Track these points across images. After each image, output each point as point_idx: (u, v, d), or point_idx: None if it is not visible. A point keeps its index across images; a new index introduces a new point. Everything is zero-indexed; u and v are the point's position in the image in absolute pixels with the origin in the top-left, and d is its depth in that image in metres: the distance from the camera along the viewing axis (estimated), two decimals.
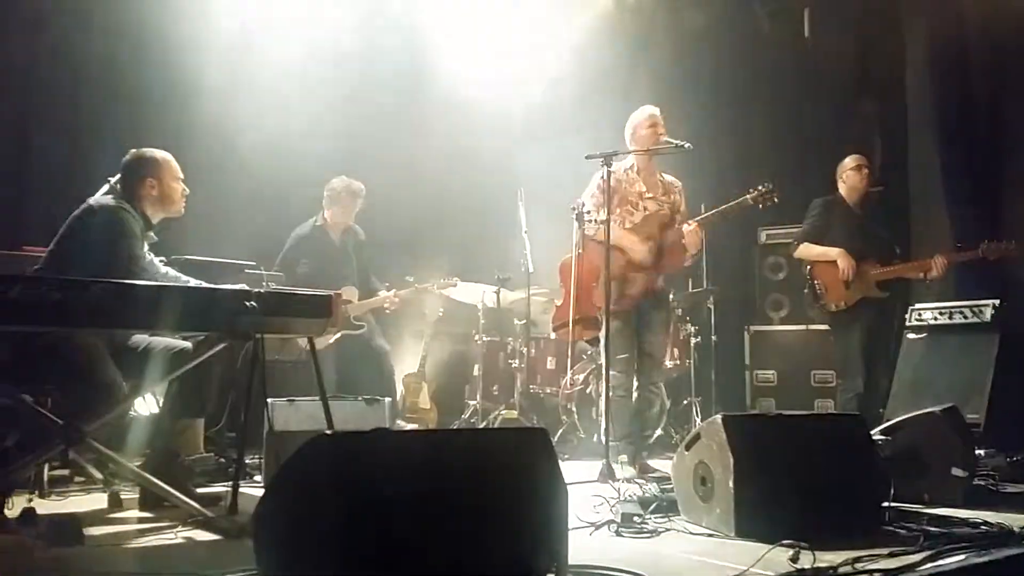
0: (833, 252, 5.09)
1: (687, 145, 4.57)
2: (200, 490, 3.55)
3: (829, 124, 7.12)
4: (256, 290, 3.18)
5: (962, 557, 2.50)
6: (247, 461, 4.21)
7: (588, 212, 4.62)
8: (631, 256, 4.65)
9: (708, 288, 6.59)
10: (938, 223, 6.59)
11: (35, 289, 2.72)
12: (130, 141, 3.80)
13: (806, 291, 5.33)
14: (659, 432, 5.87)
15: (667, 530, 2.98)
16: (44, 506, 3.23)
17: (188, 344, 3.53)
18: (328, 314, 3.30)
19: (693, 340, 6.49)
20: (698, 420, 6.11)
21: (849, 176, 5.27)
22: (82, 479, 3.90)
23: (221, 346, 3.32)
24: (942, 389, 4.94)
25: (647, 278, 4.65)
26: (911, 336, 5.37)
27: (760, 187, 4.58)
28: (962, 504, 3.38)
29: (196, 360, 3.38)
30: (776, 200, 4.57)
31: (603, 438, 4.35)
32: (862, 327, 5.07)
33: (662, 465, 4.53)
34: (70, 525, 2.74)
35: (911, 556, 2.48)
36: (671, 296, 5.39)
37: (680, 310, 6.44)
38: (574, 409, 5.81)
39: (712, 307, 6.53)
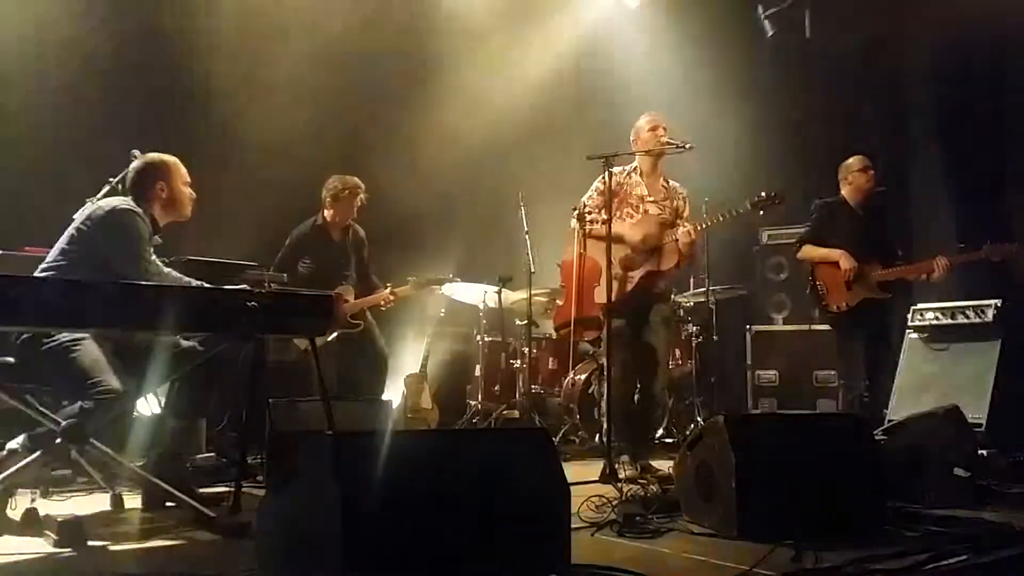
0: (835, 253, 5.09)
1: (689, 145, 4.57)
2: (202, 490, 3.55)
3: (831, 125, 7.12)
4: (257, 290, 3.18)
5: (964, 557, 2.50)
6: (249, 461, 4.21)
7: (589, 212, 4.62)
8: (631, 241, 4.62)
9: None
10: (940, 224, 6.59)
11: (37, 290, 2.73)
12: (133, 142, 3.81)
13: (808, 292, 5.32)
14: (661, 432, 5.88)
15: (669, 530, 2.98)
16: (46, 507, 3.23)
17: (190, 344, 3.53)
18: (329, 314, 3.31)
19: (695, 340, 6.49)
20: (700, 420, 6.11)
21: (855, 177, 5.25)
22: (85, 480, 3.90)
23: (223, 346, 3.32)
24: (944, 389, 4.94)
25: (641, 276, 4.64)
26: (913, 336, 5.37)
27: (763, 193, 4.57)
28: (964, 504, 3.38)
29: (198, 360, 3.38)
30: (778, 202, 4.55)
31: (605, 438, 4.35)
32: (865, 328, 5.06)
33: (664, 465, 4.52)
34: (73, 526, 2.74)
35: (913, 556, 2.47)
36: (673, 296, 5.39)
37: (682, 310, 6.44)
38: (576, 409, 5.80)
39: (713, 307, 6.53)
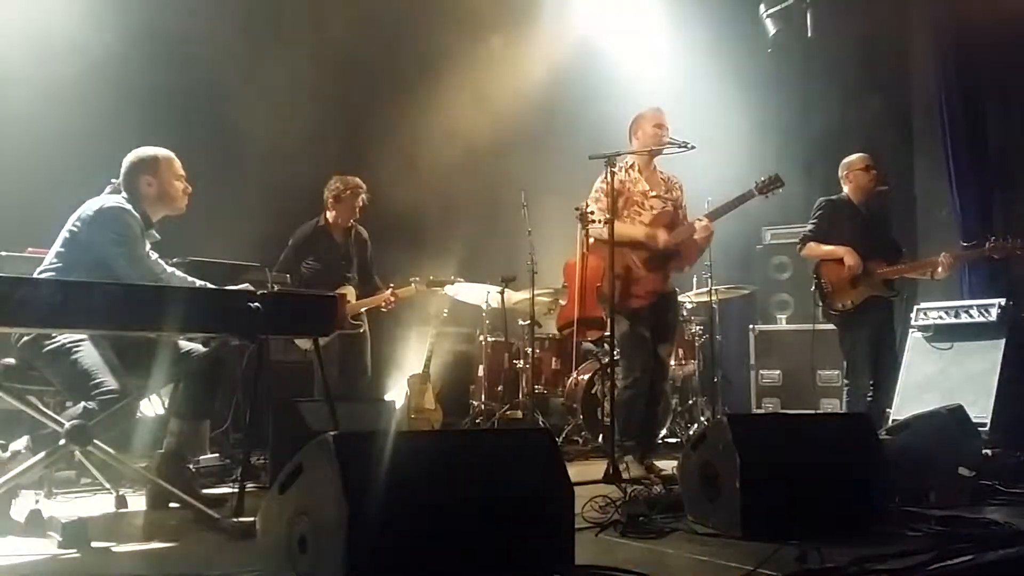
0: (840, 251, 5.07)
1: (691, 145, 4.57)
2: (206, 491, 3.55)
3: (833, 123, 7.11)
4: (261, 291, 3.18)
5: (969, 557, 2.49)
6: (253, 462, 4.21)
7: (592, 213, 4.60)
8: (650, 247, 4.60)
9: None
10: (944, 221, 6.58)
11: (40, 291, 2.73)
12: (137, 142, 3.79)
13: (812, 290, 5.31)
14: (664, 432, 5.88)
15: (673, 530, 2.97)
16: (51, 508, 3.23)
17: (193, 345, 3.54)
18: (332, 315, 3.31)
19: (698, 340, 6.48)
20: (704, 420, 6.11)
21: (857, 176, 5.24)
22: (88, 481, 3.91)
23: (226, 347, 3.32)
24: (948, 388, 4.94)
25: (658, 277, 4.62)
26: (917, 335, 5.36)
27: (763, 177, 4.57)
28: (969, 504, 3.37)
29: (202, 361, 3.38)
30: (781, 186, 4.55)
31: (609, 438, 4.34)
32: (869, 326, 5.05)
33: (668, 465, 4.51)
34: (76, 527, 2.74)
35: (918, 556, 2.46)
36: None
37: (685, 310, 6.43)
38: (579, 409, 5.80)
39: (717, 307, 6.53)
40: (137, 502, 3.52)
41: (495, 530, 2.11)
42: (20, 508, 3.04)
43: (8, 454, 3.10)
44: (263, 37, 6.20)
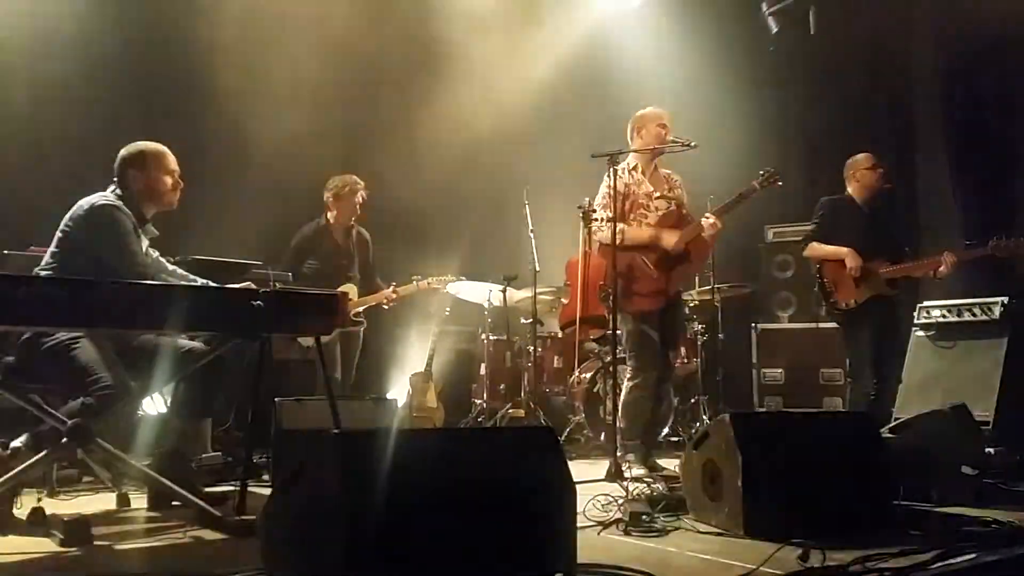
0: (842, 251, 5.06)
1: (693, 144, 4.55)
2: (208, 489, 3.55)
3: (836, 122, 7.10)
4: (263, 289, 3.18)
5: (972, 556, 2.49)
6: (255, 460, 4.21)
7: (597, 217, 4.59)
8: (663, 247, 4.59)
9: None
10: (947, 220, 6.57)
11: (41, 289, 2.73)
12: (140, 140, 3.79)
13: (816, 289, 5.30)
14: (667, 431, 5.87)
15: (676, 529, 2.97)
16: (53, 506, 3.24)
17: (195, 344, 3.54)
18: (335, 313, 3.31)
19: (700, 338, 6.48)
20: (706, 419, 6.10)
21: (864, 175, 5.22)
22: (91, 479, 3.91)
23: (228, 345, 3.32)
24: (951, 387, 4.92)
25: (667, 278, 4.60)
26: (920, 334, 5.35)
27: (762, 172, 4.56)
28: (972, 502, 3.37)
29: (203, 360, 3.38)
30: (780, 182, 4.54)
31: (611, 437, 4.34)
32: (872, 325, 5.04)
33: (670, 464, 4.51)
34: (79, 525, 2.75)
35: (921, 555, 2.46)
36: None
37: (687, 309, 6.43)
38: (581, 408, 5.80)
39: (719, 305, 6.52)
40: (139, 500, 3.52)
41: (497, 528, 2.11)
42: (22, 506, 3.05)
43: (10, 452, 3.10)
44: (266, 35, 6.19)
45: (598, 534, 2.89)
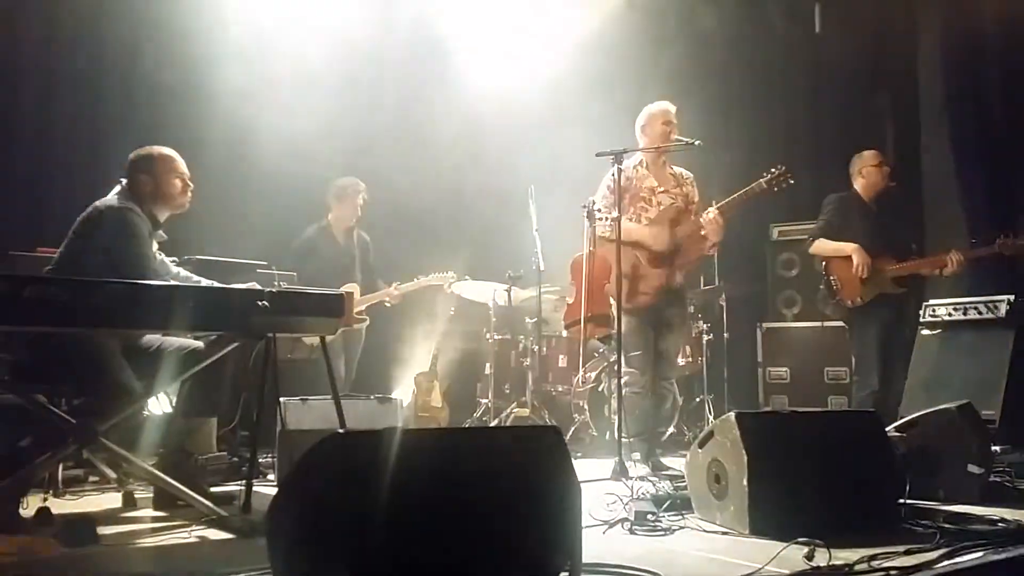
0: (848, 248, 5.05)
1: (697, 143, 4.55)
2: (213, 489, 3.56)
3: (841, 120, 7.08)
4: (268, 289, 3.19)
5: (979, 554, 2.48)
6: (260, 460, 4.22)
7: (599, 211, 4.59)
8: (652, 247, 4.60)
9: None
10: (952, 219, 6.55)
11: (47, 289, 2.74)
12: (146, 142, 3.79)
13: (822, 287, 5.29)
14: (672, 429, 5.86)
15: (681, 528, 2.97)
16: (59, 506, 3.25)
17: (201, 343, 3.54)
18: (340, 313, 3.31)
19: (705, 337, 6.46)
20: (711, 418, 6.09)
21: (869, 173, 5.21)
22: (96, 479, 3.92)
23: (233, 345, 3.33)
24: (957, 385, 4.90)
25: (664, 274, 4.61)
26: (925, 332, 5.34)
27: (773, 170, 4.54)
28: (978, 501, 3.36)
29: (208, 359, 3.39)
30: (791, 181, 4.52)
31: (616, 436, 4.34)
32: (878, 323, 5.03)
33: (675, 463, 4.51)
34: (84, 525, 2.75)
35: (927, 554, 2.46)
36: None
37: (692, 307, 6.42)
38: (586, 407, 5.80)
39: (724, 304, 6.51)
40: (144, 500, 3.53)
41: (502, 527, 2.11)
42: (29, 506, 3.06)
43: (17, 452, 3.11)
44: (270, 33, 6.20)
45: (603, 533, 2.89)
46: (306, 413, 4.14)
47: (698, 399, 6.40)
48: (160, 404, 4.30)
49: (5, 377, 3.25)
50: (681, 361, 5.93)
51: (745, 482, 2.83)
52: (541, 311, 6.00)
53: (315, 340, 4.67)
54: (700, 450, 3.14)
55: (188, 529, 3.03)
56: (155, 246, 3.63)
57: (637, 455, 4.50)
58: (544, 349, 6.22)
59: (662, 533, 2.90)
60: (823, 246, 5.19)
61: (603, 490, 3.45)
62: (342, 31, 6.39)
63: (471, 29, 6.96)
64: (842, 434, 3.20)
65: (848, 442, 3.12)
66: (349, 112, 6.49)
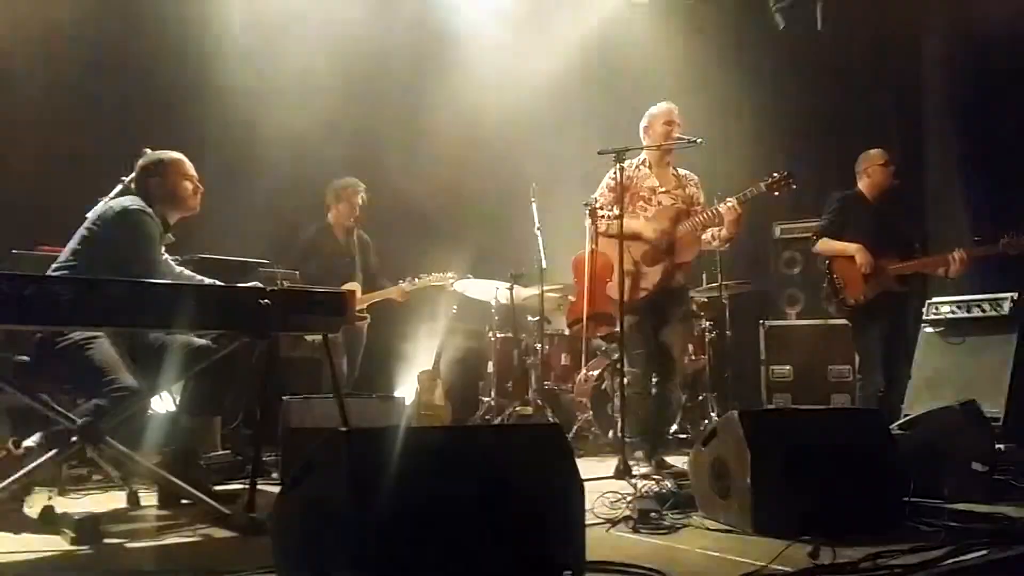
0: (851, 247, 5.04)
1: (699, 141, 4.55)
2: (217, 488, 3.56)
3: (844, 118, 7.07)
4: (270, 288, 3.19)
5: (983, 552, 2.48)
6: (264, 459, 4.22)
7: (600, 208, 4.59)
8: (647, 238, 4.59)
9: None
10: (955, 217, 6.54)
11: (51, 288, 2.74)
12: (148, 141, 3.80)
13: (825, 286, 5.28)
14: (675, 428, 5.86)
15: (684, 526, 2.97)
16: (63, 504, 3.25)
17: (204, 342, 3.54)
18: (342, 311, 3.31)
19: (708, 335, 6.46)
20: (714, 416, 6.09)
21: (875, 172, 5.19)
22: (100, 478, 3.93)
23: (236, 344, 3.33)
24: (961, 383, 4.91)
25: (662, 271, 4.61)
26: (929, 330, 5.33)
27: (775, 174, 4.53)
28: (983, 499, 3.35)
29: (212, 358, 3.39)
30: (793, 186, 4.50)
31: (619, 434, 4.34)
32: (882, 322, 5.02)
33: (679, 461, 4.50)
34: (89, 523, 2.76)
35: (931, 552, 2.45)
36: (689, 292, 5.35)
37: (695, 306, 6.41)
38: (589, 405, 5.79)
39: (727, 302, 6.50)
40: (149, 499, 3.53)
41: (505, 526, 2.11)
42: (34, 504, 3.06)
43: (21, 451, 3.12)
44: (272, 33, 6.20)
45: (607, 531, 2.89)
46: (309, 412, 4.14)
47: (701, 397, 6.40)
48: (164, 403, 4.31)
49: (10, 376, 3.26)
50: (685, 359, 5.92)
51: (748, 480, 2.82)
52: (544, 309, 6.00)
53: (317, 338, 4.69)
54: (703, 448, 3.14)
55: (192, 528, 3.03)
56: (162, 248, 3.64)
57: (640, 454, 4.49)
58: (547, 347, 6.22)
59: (665, 531, 2.89)
60: (827, 245, 5.18)
61: (606, 488, 3.44)
62: (345, 31, 6.40)
63: (473, 28, 6.96)
64: (846, 432, 3.20)
65: (852, 440, 3.11)
66: (351, 111, 6.50)
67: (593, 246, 4.77)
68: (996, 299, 5.10)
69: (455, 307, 6.60)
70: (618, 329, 4.51)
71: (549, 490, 2.21)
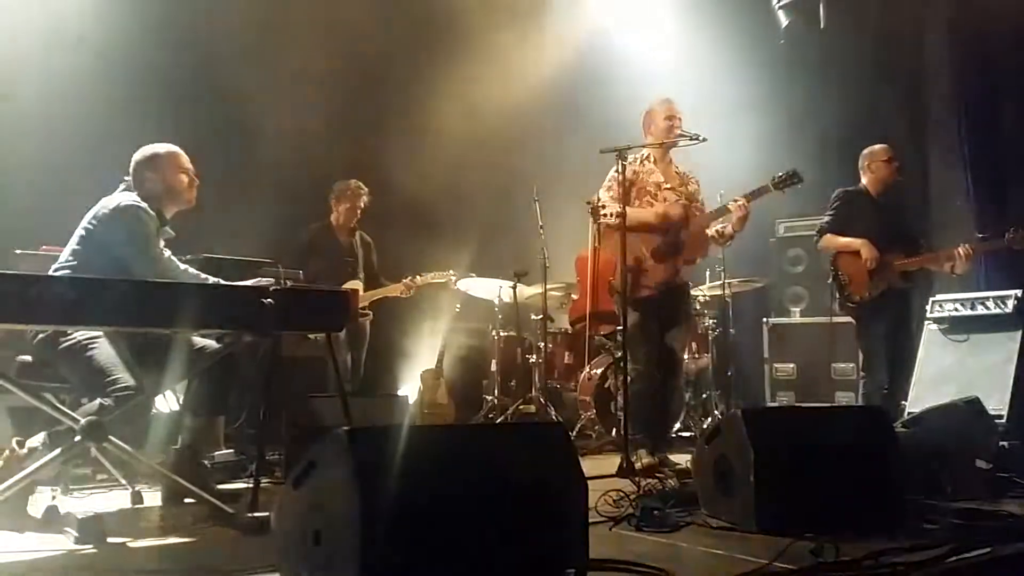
0: (857, 243, 5.03)
1: (702, 137, 4.54)
2: (221, 487, 3.57)
3: (847, 115, 7.06)
4: (273, 287, 3.19)
5: (986, 550, 2.47)
6: (267, 458, 4.22)
7: (604, 206, 4.58)
8: (660, 225, 4.56)
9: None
10: (958, 213, 6.53)
11: (55, 288, 2.75)
12: (150, 139, 3.80)
13: (830, 282, 5.27)
14: (678, 426, 5.86)
15: (687, 524, 2.96)
16: (67, 504, 3.25)
17: (207, 341, 3.55)
18: (346, 309, 3.32)
19: (712, 333, 6.46)
20: (718, 414, 6.09)
21: (879, 168, 5.18)
22: (104, 477, 3.93)
23: (240, 343, 3.33)
24: (964, 380, 4.89)
25: (668, 269, 4.59)
26: (933, 327, 5.32)
27: (781, 173, 4.52)
28: (986, 496, 3.35)
29: (215, 357, 3.39)
30: (799, 182, 4.49)
31: (622, 432, 4.34)
32: (887, 318, 5.01)
33: (682, 459, 4.50)
34: (92, 523, 2.76)
35: (934, 549, 2.45)
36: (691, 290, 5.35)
37: (698, 303, 6.41)
38: (592, 404, 5.79)
39: (730, 300, 6.50)
40: (152, 498, 3.54)
41: (508, 524, 2.11)
42: (37, 504, 3.07)
43: (25, 450, 3.12)
44: (275, 31, 6.20)
45: (610, 529, 2.88)
46: (312, 410, 4.14)
47: (704, 395, 6.40)
48: (168, 402, 4.31)
49: (14, 375, 3.26)
50: (687, 357, 5.92)
51: (751, 478, 2.82)
52: (547, 308, 6.00)
53: (321, 337, 4.69)
54: (707, 446, 3.13)
55: (195, 527, 3.03)
56: (162, 243, 3.64)
57: (643, 451, 4.49)
58: (550, 346, 6.22)
59: (668, 529, 2.89)
60: (831, 242, 5.17)
61: (609, 487, 3.44)
62: (347, 29, 6.40)
63: (475, 27, 6.95)
64: (849, 430, 3.18)
65: (855, 438, 3.10)
66: (354, 110, 6.50)
67: (596, 244, 4.76)
68: (1001, 296, 5.09)
69: (458, 306, 6.60)
70: (621, 327, 4.51)
71: (552, 488, 2.21)
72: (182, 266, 3.76)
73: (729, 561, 2.48)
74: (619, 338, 4.74)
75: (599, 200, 4.62)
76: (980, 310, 5.14)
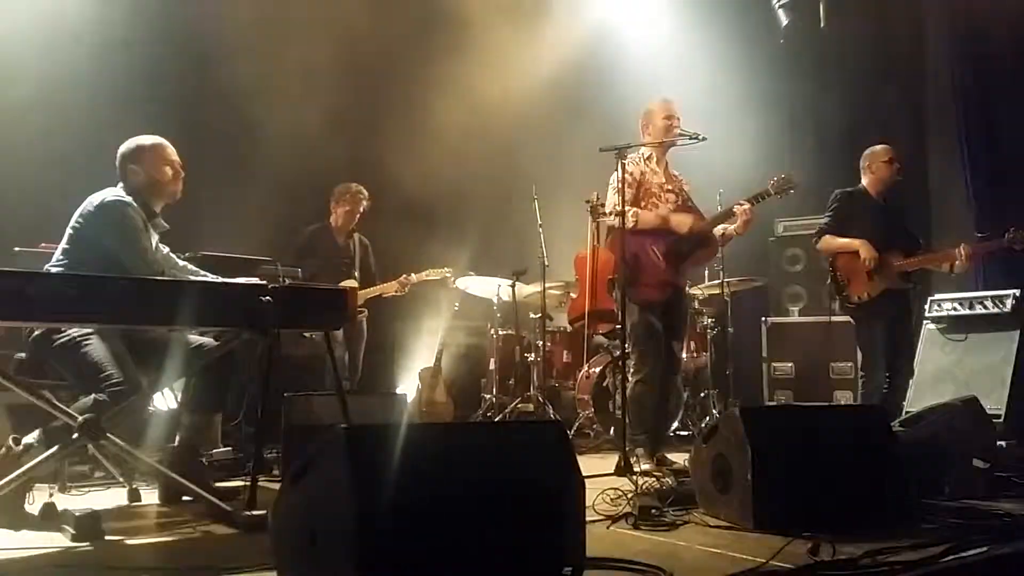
0: (855, 243, 5.02)
1: (702, 136, 4.53)
2: (218, 484, 3.57)
3: (848, 115, 7.06)
4: (272, 285, 3.19)
5: (983, 549, 2.48)
6: (265, 455, 4.23)
7: (604, 206, 4.57)
8: (675, 230, 4.56)
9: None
10: (958, 213, 6.53)
11: (53, 285, 2.74)
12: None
13: (828, 283, 5.26)
14: (676, 425, 5.86)
15: (685, 523, 2.97)
16: (64, 501, 3.25)
17: (206, 339, 3.55)
18: (344, 308, 3.31)
19: (710, 332, 6.46)
20: (716, 413, 6.09)
21: (879, 168, 5.16)
22: (102, 474, 3.93)
23: (238, 341, 3.33)
24: (962, 380, 4.91)
25: (671, 270, 4.58)
26: (931, 327, 5.32)
27: (776, 177, 4.52)
28: (983, 495, 3.35)
29: (213, 355, 3.39)
30: (793, 187, 4.49)
31: (621, 431, 4.33)
32: (885, 318, 5.00)
33: (680, 458, 4.50)
34: (90, 520, 2.76)
35: (931, 548, 2.45)
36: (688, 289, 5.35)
37: (696, 302, 6.41)
38: (590, 402, 5.79)
39: (729, 299, 6.50)
40: (150, 495, 3.54)
41: (506, 523, 2.11)
42: (34, 501, 3.06)
43: (22, 448, 3.12)
44: (274, 29, 6.20)
45: (607, 528, 2.89)
46: (310, 408, 4.14)
47: (702, 394, 6.40)
48: (165, 400, 4.31)
49: (11, 373, 3.26)
50: (685, 356, 5.92)
51: (749, 477, 2.82)
52: (545, 307, 6.00)
53: (319, 335, 4.69)
54: (704, 445, 3.14)
55: (193, 524, 3.04)
56: (155, 238, 3.62)
57: (641, 450, 4.49)
58: (548, 344, 6.22)
59: (666, 528, 2.89)
60: (831, 243, 5.16)
61: (607, 485, 3.44)
62: (347, 26, 6.39)
63: (476, 25, 6.95)
64: (847, 429, 3.19)
65: (853, 437, 3.11)
66: (354, 108, 6.50)
67: (595, 243, 4.76)
68: (999, 296, 5.09)
69: (457, 304, 6.60)
70: (619, 326, 4.51)
71: (550, 487, 2.21)
72: (180, 262, 3.76)
73: (727, 560, 2.49)
74: (618, 337, 4.73)
75: (598, 199, 4.61)
76: (978, 309, 5.15)
